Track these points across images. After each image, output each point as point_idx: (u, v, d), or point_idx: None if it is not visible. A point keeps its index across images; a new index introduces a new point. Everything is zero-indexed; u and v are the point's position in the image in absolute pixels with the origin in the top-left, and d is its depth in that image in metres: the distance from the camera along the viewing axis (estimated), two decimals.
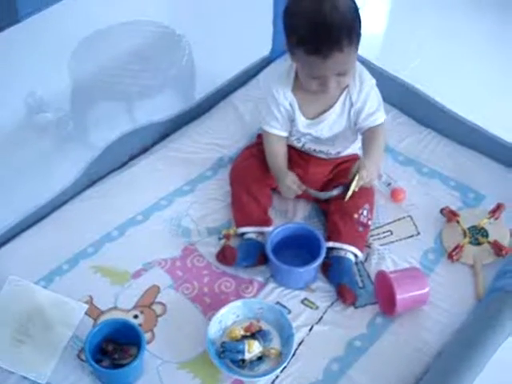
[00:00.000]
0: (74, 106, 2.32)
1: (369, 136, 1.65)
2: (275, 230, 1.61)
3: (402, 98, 2.01)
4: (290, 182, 1.64)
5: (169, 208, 1.75)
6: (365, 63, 2.01)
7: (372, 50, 2.61)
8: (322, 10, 1.45)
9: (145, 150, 1.90)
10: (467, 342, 1.31)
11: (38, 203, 1.72)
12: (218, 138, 1.92)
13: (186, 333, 1.51)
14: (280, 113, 1.66)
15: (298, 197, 1.71)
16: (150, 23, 2.35)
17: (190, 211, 1.74)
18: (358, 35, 1.51)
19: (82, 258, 1.64)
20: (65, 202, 1.76)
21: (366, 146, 1.65)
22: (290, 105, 1.65)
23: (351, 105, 1.64)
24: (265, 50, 2.11)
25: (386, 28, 3.05)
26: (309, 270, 1.56)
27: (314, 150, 1.72)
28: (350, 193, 1.56)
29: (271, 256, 1.55)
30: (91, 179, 1.81)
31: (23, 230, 1.69)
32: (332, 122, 1.66)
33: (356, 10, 1.50)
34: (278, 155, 1.69)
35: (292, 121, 1.68)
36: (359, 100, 1.63)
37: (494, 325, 1.32)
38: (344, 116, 1.65)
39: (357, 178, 1.54)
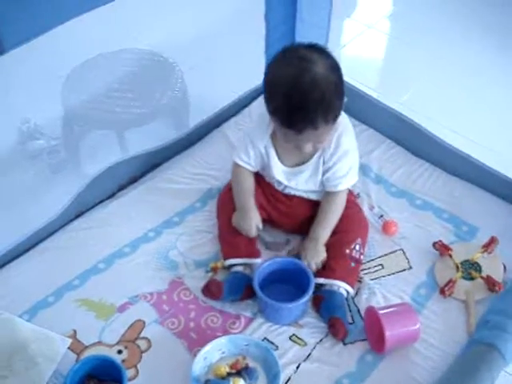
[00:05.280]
0: (66, 134, 2.31)
1: (325, 203, 1.65)
2: (263, 264, 1.58)
3: (395, 128, 1.99)
4: (254, 224, 1.61)
5: (156, 240, 1.73)
6: (360, 95, 2.03)
7: (368, 81, 2.61)
8: (300, 86, 1.40)
9: (134, 181, 1.88)
10: None
11: (24, 233, 1.70)
12: (209, 169, 1.90)
13: (170, 369, 1.47)
14: (253, 151, 1.64)
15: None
16: (143, 51, 2.35)
17: (178, 243, 1.72)
18: (337, 113, 1.46)
19: (67, 291, 1.61)
20: (52, 233, 1.74)
21: (319, 215, 1.64)
22: (265, 148, 1.63)
23: (323, 163, 1.61)
24: (257, 79, 2.10)
25: (382, 59, 3.05)
26: (297, 305, 1.53)
27: (294, 195, 1.70)
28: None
29: (258, 291, 1.52)
30: (79, 210, 1.79)
31: (8, 261, 1.67)
32: (307, 177, 1.64)
33: (337, 85, 1.44)
34: (245, 189, 1.66)
35: (267, 166, 1.65)
36: (331, 160, 1.60)
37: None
38: (319, 173, 1.63)
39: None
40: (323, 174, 1.63)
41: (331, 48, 2.11)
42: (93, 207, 1.81)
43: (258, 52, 2.02)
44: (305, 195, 1.70)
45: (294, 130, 1.45)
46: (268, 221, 1.72)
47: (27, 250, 1.70)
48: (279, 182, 1.68)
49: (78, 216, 1.78)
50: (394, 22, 3.19)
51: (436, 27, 3.04)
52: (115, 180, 1.85)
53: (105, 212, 1.79)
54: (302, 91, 1.40)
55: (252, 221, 1.61)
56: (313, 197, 1.70)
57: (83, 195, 1.78)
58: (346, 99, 1.52)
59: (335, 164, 1.60)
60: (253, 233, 1.61)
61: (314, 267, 1.59)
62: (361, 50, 2.97)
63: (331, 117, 1.45)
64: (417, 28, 3.04)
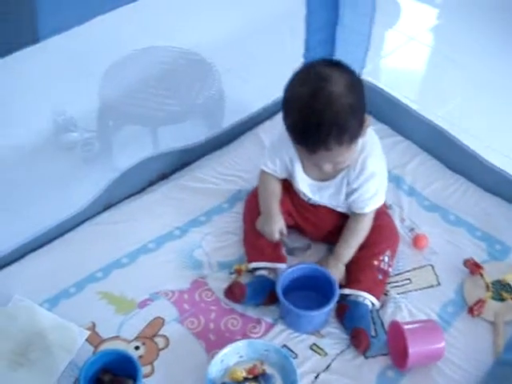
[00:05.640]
0: (101, 127, 2.32)
1: (351, 223, 1.61)
2: (287, 269, 1.55)
3: (432, 141, 1.95)
4: (277, 229, 1.58)
5: (182, 238, 1.71)
6: (398, 105, 1.99)
7: (407, 93, 2.56)
8: (315, 105, 1.36)
9: (164, 177, 1.87)
10: None
11: (51, 223, 1.70)
12: (239, 171, 1.89)
13: (186, 369, 1.45)
14: (280, 162, 1.62)
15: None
16: (181, 50, 2.35)
17: (203, 243, 1.70)
18: (352, 135, 1.41)
19: (89, 283, 1.61)
20: (78, 224, 1.74)
21: (344, 234, 1.61)
22: (291, 161, 1.60)
23: (348, 183, 1.58)
24: None
25: (423, 71, 3.00)
26: (319, 314, 1.49)
27: (319, 205, 1.67)
28: None
29: (281, 296, 1.49)
30: (108, 203, 1.79)
31: (34, 249, 1.67)
32: (330, 194, 1.61)
33: (354, 106, 1.38)
34: (270, 194, 1.64)
35: (293, 178, 1.63)
36: (355, 183, 1.56)
37: None
38: (342, 192, 1.60)
39: None
40: (348, 196, 1.59)
41: (372, 57, 2.09)
42: (121, 201, 1.80)
43: (297, 55, 2.00)
44: (331, 206, 1.67)
45: (307, 149, 1.43)
46: (294, 228, 1.69)
47: (53, 240, 1.70)
48: (304, 194, 1.66)
49: (105, 209, 1.78)
50: (436, 35, 3.14)
51: (479, 42, 2.99)
52: (145, 175, 1.84)
53: (133, 207, 1.78)
54: (314, 111, 1.36)
55: (276, 225, 1.58)
56: (339, 209, 1.67)
57: (112, 189, 1.78)
58: (369, 117, 1.47)
59: (360, 187, 1.56)
60: (276, 237, 1.58)
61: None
62: (402, 61, 2.93)
63: (346, 138, 1.39)
64: (459, 42, 2.98)
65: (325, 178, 1.59)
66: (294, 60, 2.01)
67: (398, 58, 2.94)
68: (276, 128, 1.96)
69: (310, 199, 1.66)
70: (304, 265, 1.58)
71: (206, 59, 2.31)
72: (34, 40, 1.25)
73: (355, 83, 1.42)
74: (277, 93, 2.05)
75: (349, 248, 1.60)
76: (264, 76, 2.45)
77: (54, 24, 1.24)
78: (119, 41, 2.46)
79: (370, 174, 1.55)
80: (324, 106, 1.36)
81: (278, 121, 2.00)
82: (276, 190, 1.65)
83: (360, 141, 1.49)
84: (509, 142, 2.44)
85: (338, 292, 1.51)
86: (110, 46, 2.42)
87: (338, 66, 1.43)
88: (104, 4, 1.31)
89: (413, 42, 3.05)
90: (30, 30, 1.24)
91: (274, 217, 1.60)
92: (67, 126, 2.37)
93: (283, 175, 1.66)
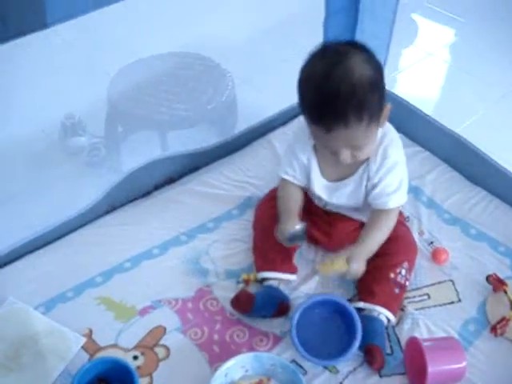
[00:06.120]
0: (109, 132, 2.25)
1: (374, 219, 1.50)
2: (300, 306, 1.41)
3: (454, 152, 1.86)
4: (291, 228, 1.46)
5: (188, 244, 1.63)
6: (417, 114, 1.91)
7: (424, 108, 2.49)
8: (331, 78, 1.28)
9: (172, 181, 1.79)
10: None
11: (52, 223, 1.62)
12: (251, 177, 1.81)
13: (187, 382, 1.35)
14: (298, 164, 1.53)
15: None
16: (195, 56, 2.30)
17: (210, 250, 1.61)
18: (373, 111, 1.31)
19: (88, 287, 1.53)
20: (80, 226, 1.66)
21: (367, 228, 1.50)
22: (308, 160, 1.52)
23: (368, 179, 1.48)
24: None
25: (440, 87, 2.93)
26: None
27: (337, 212, 1.58)
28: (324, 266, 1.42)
29: (299, 347, 1.36)
30: (112, 205, 1.71)
31: (33, 250, 1.60)
32: (349, 192, 1.52)
33: (373, 81, 1.30)
34: (290, 198, 1.54)
35: (309, 180, 1.55)
36: (377, 176, 1.47)
37: None
38: (362, 189, 1.50)
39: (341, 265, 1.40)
40: (369, 192, 1.50)
41: (388, 71, 2.02)
42: (126, 204, 1.72)
43: None
44: (347, 213, 1.58)
45: (322, 127, 1.32)
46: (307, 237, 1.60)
47: (52, 242, 1.62)
48: (320, 198, 1.57)
49: (109, 211, 1.70)
50: (454, 51, 3.08)
51: (497, 58, 2.92)
52: (151, 178, 1.77)
53: (138, 210, 1.71)
54: (332, 84, 1.28)
55: (290, 225, 1.47)
56: (356, 216, 1.58)
57: (117, 191, 1.70)
58: (390, 105, 1.39)
59: (382, 179, 1.47)
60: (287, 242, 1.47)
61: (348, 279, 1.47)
62: (419, 75, 2.86)
63: (366, 115, 1.30)
64: (478, 58, 2.92)
65: (342, 176, 1.51)
66: None
67: (415, 73, 2.87)
68: (289, 135, 1.91)
69: (326, 204, 1.57)
70: (320, 297, 1.44)
71: (219, 65, 2.25)
72: (43, 25, 1.19)
73: (374, 61, 1.34)
74: (290, 99, 1.99)
75: (372, 239, 1.46)
76: (277, 83, 2.39)
77: (63, 9, 1.18)
78: (135, 46, 2.41)
79: (393, 163, 1.45)
80: (342, 79, 1.28)
81: (291, 127, 1.95)
82: (296, 195, 1.56)
83: (380, 131, 1.41)
84: None
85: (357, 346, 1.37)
86: (125, 51, 2.37)
87: (357, 45, 1.35)
88: None
89: (430, 58, 2.98)
90: (38, 15, 1.18)
91: (292, 217, 1.49)
92: (76, 129, 2.30)
93: (303, 180, 1.57)
